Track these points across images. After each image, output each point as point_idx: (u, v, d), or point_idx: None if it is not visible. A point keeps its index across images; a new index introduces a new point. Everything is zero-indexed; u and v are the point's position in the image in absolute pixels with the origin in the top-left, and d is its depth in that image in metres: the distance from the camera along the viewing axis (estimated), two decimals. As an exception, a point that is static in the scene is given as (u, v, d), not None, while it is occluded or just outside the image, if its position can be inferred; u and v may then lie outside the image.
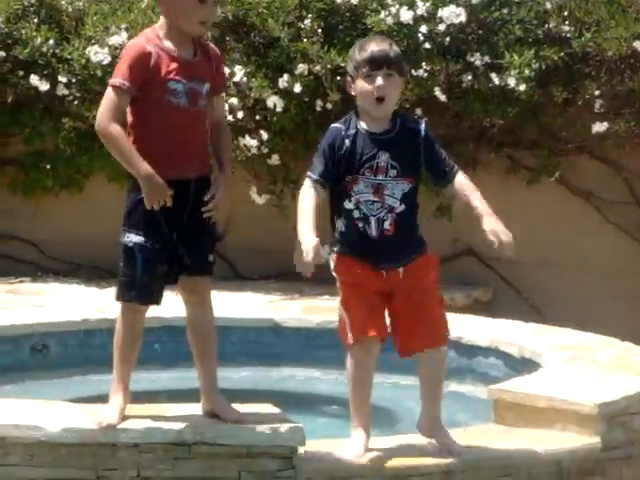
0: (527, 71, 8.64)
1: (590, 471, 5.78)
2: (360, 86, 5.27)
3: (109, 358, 5.37)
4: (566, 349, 7.19)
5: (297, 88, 8.92)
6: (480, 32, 9.00)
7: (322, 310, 7.80)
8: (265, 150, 9.09)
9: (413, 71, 8.05)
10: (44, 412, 5.59)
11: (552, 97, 8.82)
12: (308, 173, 5.29)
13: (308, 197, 5.43)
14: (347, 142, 5.44)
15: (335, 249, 5.44)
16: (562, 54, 8.74)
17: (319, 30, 9.03)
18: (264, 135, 9.07)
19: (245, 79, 9.05)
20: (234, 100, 8.95)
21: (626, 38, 8.58)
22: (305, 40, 9.04)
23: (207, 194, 5.22)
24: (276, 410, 5.46)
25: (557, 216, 9.38)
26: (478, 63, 8.77)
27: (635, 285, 9.15)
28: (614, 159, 9.15)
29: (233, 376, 6.89)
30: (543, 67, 8.75)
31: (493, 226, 5.03)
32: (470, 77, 8.76)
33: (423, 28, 8.70)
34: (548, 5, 8.89)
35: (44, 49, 9.38)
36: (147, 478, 5.27)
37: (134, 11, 8.45)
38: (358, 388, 5.57)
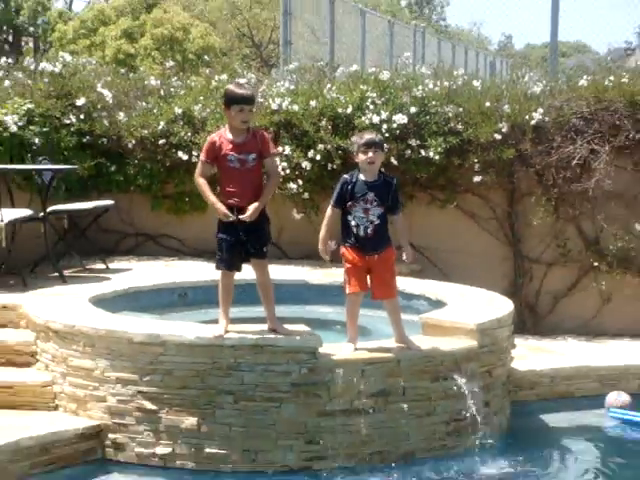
0: (439, 149, 10.84)
1: (470, 358, 7.96)
2: (360, 157, 7.65)
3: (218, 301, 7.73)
4: (460, 295, 9.52)
5: (318, 157, 11.07)
6: (414, 128, 10.99)
7: (333, 275, 9.70)
8: (300, 190, 11.23)
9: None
10: (186, 328, 7.84)
11: (452, 163, 11.07)
12: (331, 202, 7.79)
13: (327, 218, 7.85)
14: (351, 185, 7.65)
15: (343, 243, 7.72)
16: (457, 140, 10.93)
17: (329, 126, 11.07)
18: (300, 182, 11.19)
19: (290, 152, 11.12)
20: (285, 164, 11.04)
21: (490, 132, 10.78)
22: (322, 132, 11.07)
23: (247, 215, 7.32)
24: (306, 328, 7.83)
25: (456, 226, 11.46)
26: (413, 144, 10.93)
27: (496, 263, 11.34)
28: (485, 195, 11.31)
29: (284, 310, 8.58)
30: (447, 147, 10.86)
31: (407, 251, 7.85)
32: (409, 151, 10.97)
33: (385, 125, 10.82)
34: (450, 114, 10.95)
35: (185, 137, 11.41)
36: (239, 364, 7.39)
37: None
38: (350, 317, 7.85)
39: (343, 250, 7.79)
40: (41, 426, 7.77)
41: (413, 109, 11.09)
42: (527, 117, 11.02)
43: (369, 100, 11.16)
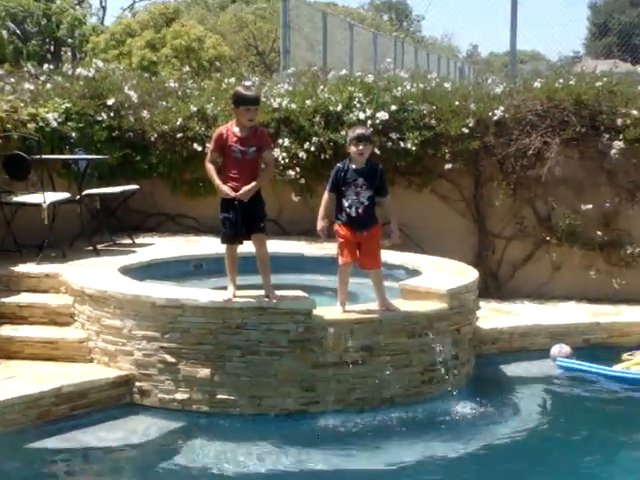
0: (415, 141, 10.76)
1: (442, 318, 8.05)
2: (352, 148, 7.66)
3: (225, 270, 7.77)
4: (434, 265, 9.50)
5: (312, 148, 10.98)
6: (395, 123, 10.91)
7: (325, 249, 9.58)
8: (298, 176, 11.12)
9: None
10: (200, 293, 7.93)
11: (427, 153, 10.94)
12: (327, 187, 7.81)
13: (324, 201, 7.81)
14: (343, 172, 7.67)
15: (337, 221, 7.73)
16: (431, 133, 10.84)
17: (322, 122, 11.03)
18: (297, 169, 11.08)
19: (289, 144, 11.04)
20: (284, 154, 10.98)
21: (459, 127, 10.72)
22: (316, 127, 11.03)
23: (240, 193, 7.37)
24: (303, 293, 7.87)
25: (430, 206, 11.33)
26: (393, 137, 10.86)
27: (464, 238, 11.19)
28: (454, 180, 11.22)
29: (282, 278, 8.63)
30: (423, 139, 10.78)
31: (394, 232, 7.77)
32: (390, 143, 10.89)
33: (369, 121, 10.73)
34: (425, 111, 10.85)
35: (199, 131, 11.40)
36: (245, 323, 7.48)
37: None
38: (341, 283, 7.86)
39: (337, 227, 7.80)
40: (79, 375, 7.86)
41: (393, 107, 11.04)
42: (490, 114, 11.00)
43: (356, 99, 11.12)
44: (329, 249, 8.70)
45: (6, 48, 47.12)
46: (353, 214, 7.72)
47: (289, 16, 15.54)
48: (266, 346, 7.57)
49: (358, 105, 11.06)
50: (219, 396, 7.62)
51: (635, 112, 10.59)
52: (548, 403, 8.20)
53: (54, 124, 10.88)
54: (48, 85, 11.73)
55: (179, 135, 11.60)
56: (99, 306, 8.17)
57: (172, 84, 12.49)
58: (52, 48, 50.32)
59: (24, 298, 8.90)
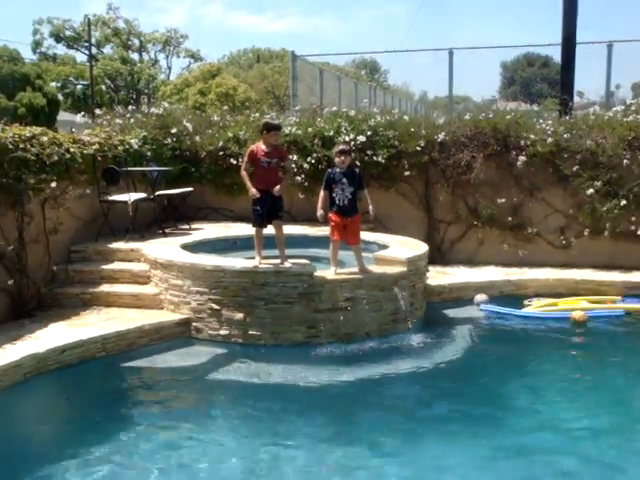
0: (384, 156, 10.67)
1: (403, 278, 7.98)
2: (336, 159, 7.72)
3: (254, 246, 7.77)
4: (397, 241, 9.36)
5: (313, 161, 10.86)
6: (370, 144, 10.71)
7: (323, 231, 9.26)
8: (303, 181, 10.98)
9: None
10: (236, 261, 7.99)
11: (392, 164, 10.75)
12: (322, 187, 7.78)
13: (321, 198, 7.78)
14: (332, 175, 7.75)
15: (330, 210, 7.78)
16: (395, 150, 10.70)
17: (319, 143, 10.86)
18: (302, 176, 10.95)
19: (296, 158, 10.85)
20: (293, 165, 10.59)
21: (414, 146, 10.59)
22: (315, 147, 10.90)
23: (275, 189, 7.43)
24: (307, 261, 7.90)
25: (395, 201, 11.03)
26: (369, 153, 10.70)
27: (418, 223, 10.92)
28: (411, 183, 11.00)
29: (294, 251, 8.34)
30: (389, 155, 10.68)
31: (372, 211, 7.65)
32: (366, 158, 10.67)
33: (352, 142, 10.55)
34: (390, 135, 10.66)
35: (234, 150, 11.26)
36: (267, 282, 7.48)
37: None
38: (333, 255, 7.91)
39: (330, 215, 7.79)
40: (154, 318, 7.91)
41: (369, 133, 10.80)
42: (435, 137, 10.85)
43: (343, 127, 11.03)
44: (325, 231, 8.65)
45: (104, 97, 47.54)
46: (341, 204, 7.69)
47: (296, 71, 15.59)
48: (282, 298, 7.58)
49: (344, 131, 10.96)
50: (250, 332, 7.64)
51: (532, 136, 10.54)
52: (475, 335, 8.14)
53: (135, 146, 10.85)
54: (131, 120, 11.70)
55: (220, 153, 11.48)
56: (167, 271, 8.16)
57: (215, 118, 12.33)
58: (134, 96, 50.79)
59: (117, 266, 8.91)
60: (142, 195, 10.13)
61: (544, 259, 10.62)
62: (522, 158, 10.52)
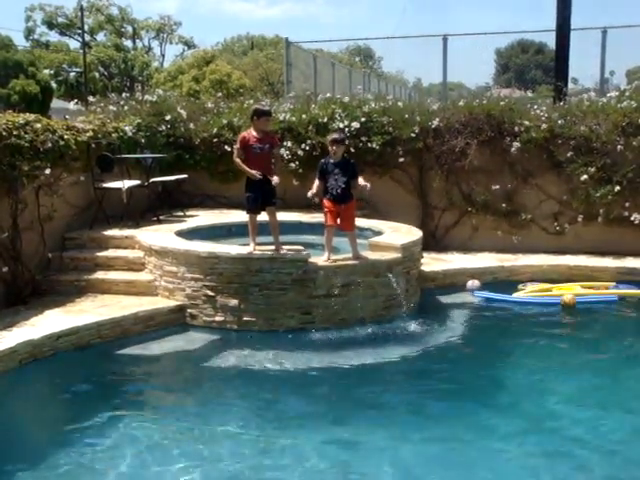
0: (378, 142, 10.62)
1: (397, 264, 7.99)
2: (330, 148, 7.66)
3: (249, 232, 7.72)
4: (391, 228, 9.33)
5: (307, 148, 10.82)
6: (364, 130, 10.66)
7: (317, 218, 9.34)
8: (297, 167, 10.90)
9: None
10: (231, 248, 7.99)
11: (386, 150, 10.70)
12: (316, 177, 7.73)
13: (315, 186, 7.71)
14: (325, 165, 7.72)
15: (324, 197, 7.72)
16: (389, 137, 10.65)
17: (313, 130, 10.83)
18: (297, 163, 10.89)
19: (291, 145, 10.87)
20: (287, 152, 10.79)
21: (408, 132, 10.57)
22: (309, 133, 10.86)
23: (273, 179, 7.38)
24: (301, 247, 7.87)
25: (389, 188, 10.93)
26: (363, 139, 10.65)
27: (412, 209, 10.88)
28: (406, 170, 10.95)
29: (287, 238, 8.30)
30: (383, 141, 10.64)
31: (366, 185, 7.54)
32: (361, 144, 10.62)
33: (346, 129, 10.55)
34: (385, 122, 10.63)
35: (229, 137, 11.07)
36: (262, 268, 7.46)
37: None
38: (327, 240, 7.80)
39: (325, 201, 7.76)
40: (149, 304, 7.91)
41: (363, 119, 10.86)
42: (429, 123, 10.83)
43: (337, 114, 10.97)
44: (319, 218, 8.62)
45: (97, 84, 47.34)
46: (334, 193, 7.67)
47: (290, 58, 15.50)
48: (276, 284, 7.57)
49: (338, 118, 10.91)
50: (244, 318, 7.65)
51: (527, 122, 10.52)
52: (469, 320, 8.17)
53: (130, 133, 10.81)
54: (125, 107, 11.63)
55: (215, 140, 11.42)
56: (161, 257, 8.17)
57: (209, 105, 12.25)
58: (128, 83, 50.57)
59: (111, 253, 8.91)
60: (136, 182, 10.09)
61: (538, 245, 10.63)
62: (516, 144, 10.51)
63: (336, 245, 8.19)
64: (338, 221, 7.79)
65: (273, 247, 7.71)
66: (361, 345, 7.23)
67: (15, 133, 7.98)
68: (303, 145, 10.97)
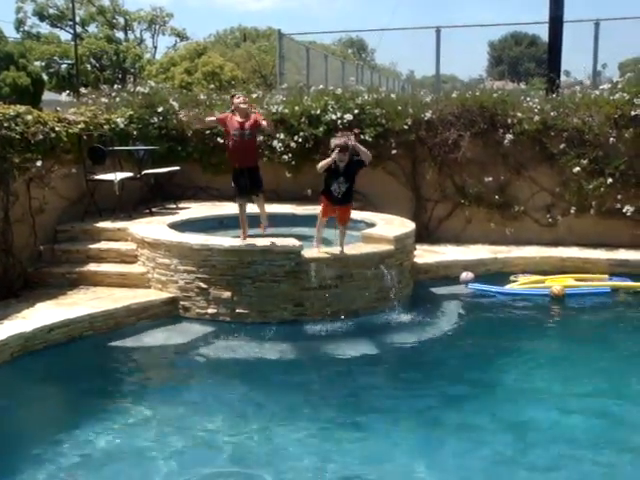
0: (371, 134, 10.54)
1: (390, 256, 8.07)
2: (335, 155, 7.36)
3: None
4: (384, 220, 9.38)
5: (300, 140, 10.75)
6: (357, 122, 10.54)
7: (309, 210, 9.57)
8: (290, 160, 10.85)
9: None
10: (223, 240, 8.06)
11: (379, 142, 10.58)
12: (322, 167, 7.39)
13: (326, 161, 7.41)
14: (334, 167, 7.43)
15: (323, 191, 7.62)
16: (382, 129, 10.61)
17: (306, 121, 10.79)
18: (289, 155, 10.82)
19: (283, 137, 10.83)
20: (280, 144, 10.76)
21: (401, 124, 10.55)
22: (302, 125, 10.81)
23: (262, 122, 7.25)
24: (294, 240, 7.85)
25: (382, 180, 10.94)
26: (356, 131, 9.28)
27: (405, 202, 10.90)
28: (399, 162, 10.92)
29: (280, 230, 8.62)
30: (376, 133, 10.59)
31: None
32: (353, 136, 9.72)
33: (339, 121, 10.56)
34: (378, 113, 10.59)
35: (221, 129, 9.61)
36: (255, 260, 7.51)
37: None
38: (318, 230, 7.98)
39: (324, 197, 7.74)
40: (142, 297, 7.92)
41: (356, 111, 10.82)
42: (422, 115, 10.82)
43: (330, 106, 10.94)
44: (312, 210, 8.69)
45: (89, 76, 47.16)
46: (335, 195, 7.64)
47: (283, 50, 15.45)
48: (269, 276, 7.58)
49: (331, 109, 10.88)
50: (237, 310, 7.66)
51: (519, 114, 10.54)
52: (461, 312, 8.20)
53: (121, 125, 10.80)
54: (117, 99, 11.61)
55: (207, 132, 11.37)
56: (154, 250, 8.18)
57: (202, 97, 12.19)
58: (120, 75, 50.40)
59: (103, 245, 8.91)
60: (128, 174, 10.08)
61: (531, 237, 10.67)
62: (509, 136, 10.52)
63: (329, 237, 8.17)
64: (335, 214, 7.84)
65: (266, 240, 7.70)
66: (354, 336, 7.24)
67: (6, 125, 7.97)
68: (296, 137, 10.92)
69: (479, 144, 10.75)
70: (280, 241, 7.75)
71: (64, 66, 50.68)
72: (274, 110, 11.03)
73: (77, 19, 49.55)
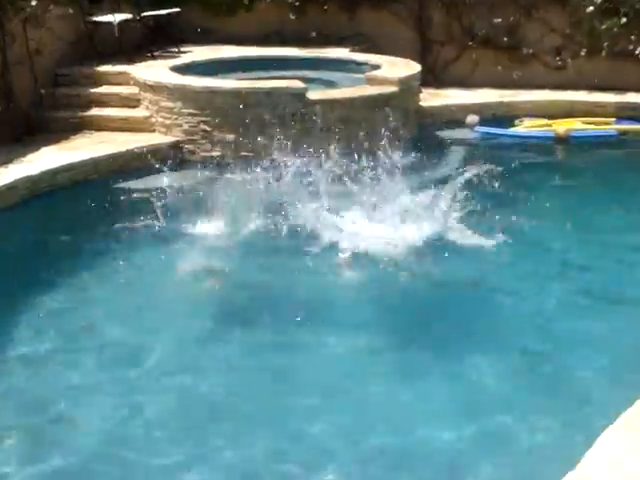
0: None
1: (395, 98, 7.96)
2: None
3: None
4: (389, 62, 8.98)
5: None
6: None
7: (316, 52, 9.46)
8: (294, 0, 10.29)
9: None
10: (226, 82, 8.51)
11: None
12: None
13: None
14: None
15: None
16: None
17: None
18: None
19: None
20: None
21: None
22: None
23: None
24: (299, 82, 7.81)
25: (387, 22, 10.45)
26: None
27: (411, 44, 10.40)
28: (405, 3, 10.41)
29: (283, 73, 8.47)
30: None
31: None
32: None
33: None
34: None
35: None
36: (260, 102, 7.48)
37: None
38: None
39: None
40: (146, 141, 7.95)
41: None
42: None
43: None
44: (317, 52, 8.97)
45: None
46: None
47: None
48: (274, 118, 7.48)
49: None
50: (242, 153, 7.62)
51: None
52: (467, 154, 8.13)
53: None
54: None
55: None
56: (157, 93, 8.11)
57: None
58: None
59: (105, 89, 8.80)
60: (128, 16, 9.76)
61: (539, 80, 10.38)
62: (520, -27, 10.09)
63: (330, 79, 8.15)
64: None
65: (271, 82, 7.65)
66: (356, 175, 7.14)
67: (-2, -39, 7.69)
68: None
69: (489, -18, 10.28)
70: (285, 83, 7.65)
71: None
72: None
73: None
